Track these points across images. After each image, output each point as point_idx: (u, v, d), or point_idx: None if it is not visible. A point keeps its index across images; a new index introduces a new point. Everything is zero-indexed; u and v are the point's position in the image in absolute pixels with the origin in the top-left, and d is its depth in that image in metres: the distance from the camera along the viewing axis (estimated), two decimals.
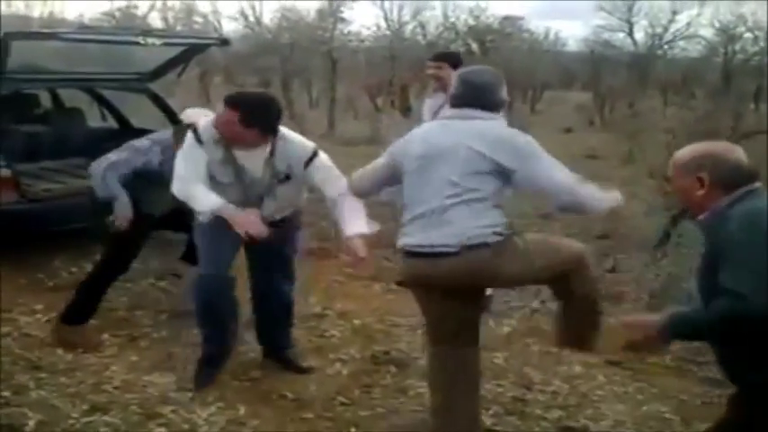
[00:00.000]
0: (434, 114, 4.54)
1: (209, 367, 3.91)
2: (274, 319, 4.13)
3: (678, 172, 2.41)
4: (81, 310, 4.38)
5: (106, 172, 4.31)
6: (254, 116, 3.48)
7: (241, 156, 3.62)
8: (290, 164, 3.65)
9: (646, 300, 5.20)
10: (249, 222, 3.55)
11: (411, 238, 3.14)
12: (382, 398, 3.87)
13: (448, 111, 3.35)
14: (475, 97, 3.22)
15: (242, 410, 3.66)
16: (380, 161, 3.48)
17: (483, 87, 3.24)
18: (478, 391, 3.36)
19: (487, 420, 3.60)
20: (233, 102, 3.51)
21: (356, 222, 3.51)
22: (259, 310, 4.15)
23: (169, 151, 4.15)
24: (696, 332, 2.40)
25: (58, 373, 3.93)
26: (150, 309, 4.94)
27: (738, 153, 2.40)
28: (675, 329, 2.36)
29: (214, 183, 3.63)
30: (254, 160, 3.63)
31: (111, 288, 5.14)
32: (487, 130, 3.16)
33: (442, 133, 3.22)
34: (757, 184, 2.35)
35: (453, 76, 3.52)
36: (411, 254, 3.15)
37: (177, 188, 3.65)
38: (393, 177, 3.39)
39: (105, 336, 4.46)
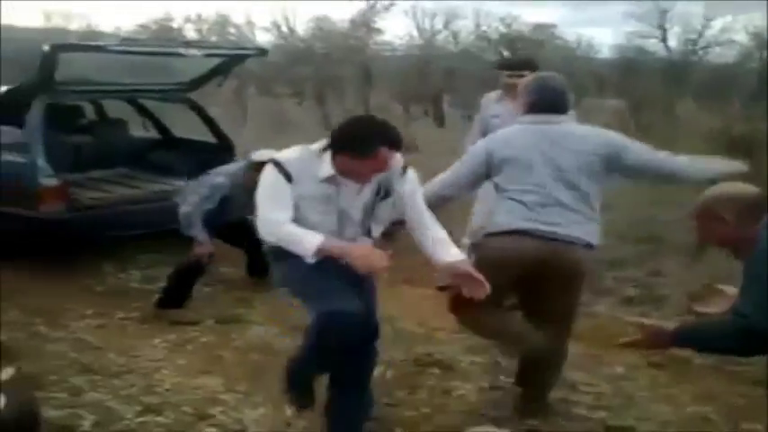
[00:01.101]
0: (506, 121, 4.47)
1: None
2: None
3: (701, 216, 2.49)
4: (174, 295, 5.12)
5: (192, 217, 5.01)
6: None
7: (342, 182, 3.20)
8: (388, 177, 3.24)
9: (687, 302, 5.18)
10: (369, 255, 3.10)
11: (533, 222, 3.33)
12: (427, 399, 3.92)
13: (531, 117, 3.53)
14: (561, 102, 3.54)
15: (289, 411, 3.72)
16: (464, 166, 3.64)
17: (563, 92, 3.56)
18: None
19: (533, 420, 3.64)
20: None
21: (452, 249, 3.27)
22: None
23: (239, 179, 4.90)
24: (705, 342, 2.48)
25: (111, 376, 4.04)
26: (198, 314, 5.04)
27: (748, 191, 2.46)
28: (685, 336, 2.47)
29: (302, 221, 3.18)
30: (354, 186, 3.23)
31: (158, 294, 5.31)
32: (584, 132, 3.55)
33: (541, 137, 3.46)
34: None
35: (524, 83, 3.75)
36: (526, 234, 3.33)
37: (268, 231, 3.17)
38: (479, 179, 3.62)
39: (156, 340, 4.58)
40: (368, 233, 3.31)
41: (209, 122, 7.01)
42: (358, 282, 3.22)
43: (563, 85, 3.59)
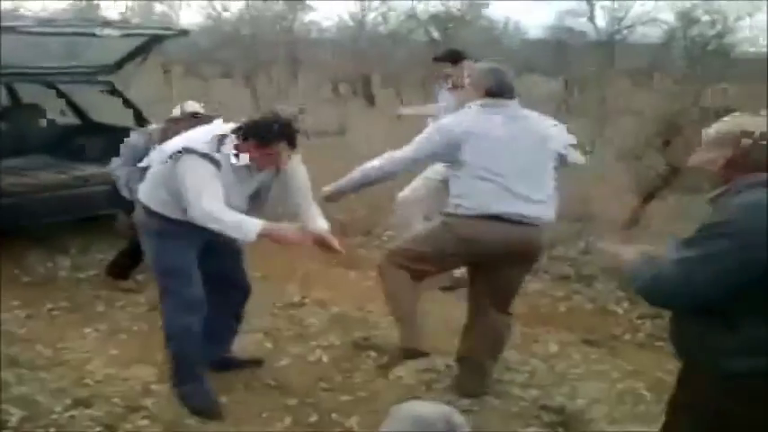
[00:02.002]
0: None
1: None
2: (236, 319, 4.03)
3: (707, 144, 2.27)
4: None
5: (118, 181, 4.92)
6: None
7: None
8: None
9: (617, 282, 5.29)
10: (301, 235, 3.45)
11: (506, 205, 3.49)
12: (363, 382, 3.93)
13: (491, 100, 3.68)
14: (512, 89, 3.73)
15: (225, 399, 3.69)
16: (427, 145, 3.73)
17: (512, 81, 3.76)
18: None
19: (466, 401, 3.67)
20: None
21: (320, 221, 3.65)
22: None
23: (156, 136, 4.70)
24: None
25: (39, 369, 3.93)
26: (129, 303, 4.93)
27: None
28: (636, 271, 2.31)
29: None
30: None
31: (90, 284, 5.18)
32: (536, 115, 3.78)
33: (504, 119, 3.64)
34: None
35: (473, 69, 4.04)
36: (492, 218, 3.50)
37: (202, 214, 3.38)
38: (437, 159, 3.81)
39: (86, 330, 4.46)
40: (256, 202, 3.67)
41: (130, 106, 6.82)
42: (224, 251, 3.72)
43: (511, 74, 3.81)
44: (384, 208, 6.50)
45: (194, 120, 4.55)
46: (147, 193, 3.68)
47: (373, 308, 4.86)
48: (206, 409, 3.59)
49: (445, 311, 4.73)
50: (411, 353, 3.74)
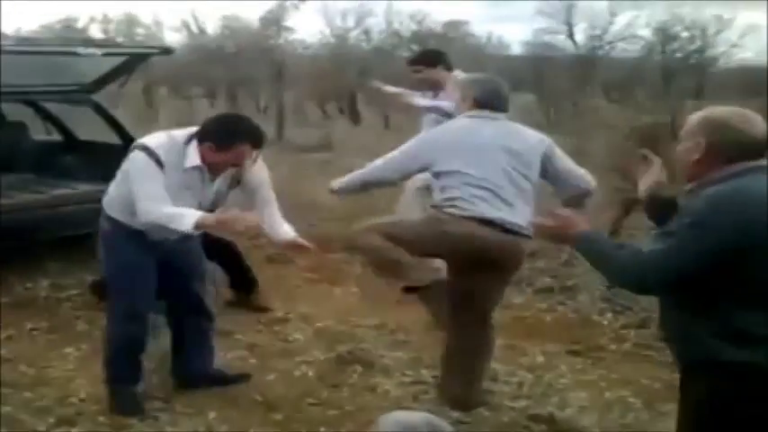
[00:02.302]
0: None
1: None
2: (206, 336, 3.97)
3: (683, 135, 2.28)
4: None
5: None
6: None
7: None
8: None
9: (600, 291, 5.31)
10: (242, 217, 3.29)
11: (496, 212, 3.47)
12: (350, 396, 3.91)
13: (474, 111, 3.67)
14: (506, 102, 3.74)
15: (211, 415, 3.66)
16: (413, 152, 3.72)
17: (505, 94, 3.75)
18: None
19: (455, 413, 3.65)
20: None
21: (286, 227, 3.66)
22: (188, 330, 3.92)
23: None
24: (599, 261, 2.33)
25: (22, 388, 3.88)
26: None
27: (753, 123, 2.19)
28: (587, 244, 2.33)
29: None
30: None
31: (70, 304, 5.13)
32: (526, 130, 3.74)
33: (490, 130, 3.61)
34: (763, 162, 2.17)
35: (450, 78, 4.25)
36: (483, 222, 3.46)
37: (146, 210, 3.35)
38: (424, 168, 3.71)
39: (68, 350, 4.42)
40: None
41: (114, 124, 6.79)
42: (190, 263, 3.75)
43: (505, 87, 3.80)
44: (363, 221, 6.50)
45: None
46: (106, 197, 3.69)
47: (358, 322, 4.86)
48: (129, 412, 3.64)
49: (429, 321, 4.74)
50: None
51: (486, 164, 3.52)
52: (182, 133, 3.46)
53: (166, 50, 7.78)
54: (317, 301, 5.31)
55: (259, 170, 3.60)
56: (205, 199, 3.50)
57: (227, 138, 3.34)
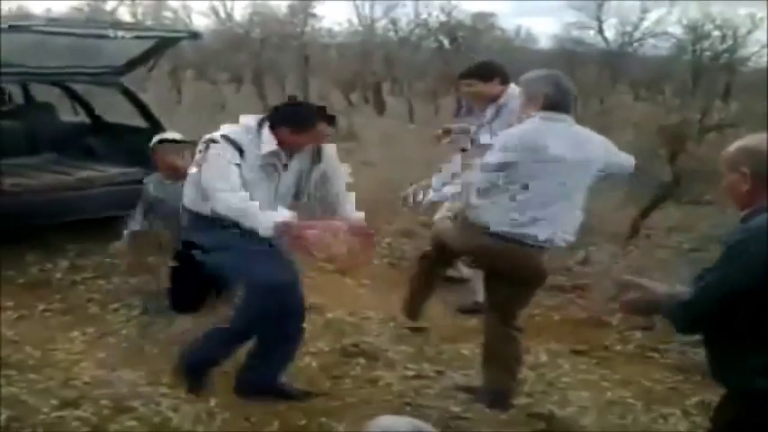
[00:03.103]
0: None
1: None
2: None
3: (724, 168, 2.29)
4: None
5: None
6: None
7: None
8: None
9: (613, 291, 5.28)
10: (326, 240, 3.30)
11: (539, 232, 3.43)
12: (352, 388, 3.93)
13: (544, 113, 3.44)
14: (571, 102, 3.51)
15: (213, 402, 3.68)
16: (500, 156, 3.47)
17: (574, 93, 3.55)
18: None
19: (456, 408, 3.68)
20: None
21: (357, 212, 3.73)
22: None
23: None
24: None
25: (27, 370, 3.93)
26: (123, 306, 4.94)
27: None
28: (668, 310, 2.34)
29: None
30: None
31: (85, 285, 5.18)
32: (592, 140, 3.55)
33: (565, 137, 3.41)
34: None
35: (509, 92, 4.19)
36: (528, 245, 3.45)
37: (226, 207, 3.33)
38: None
39: (75, 333, 4.47)
40: (297, 197, 3.63)
41: (141, 107, 6.86)
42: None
43: (571, 83, 3.57)
44: (383, 215, 6.53)
45: (178, 145, 4.78)
46: (190, 198, 3.62)
47: (367, 314, 4.87)
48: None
49: (434, 315, 4.76)
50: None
51: (546, 178, 3.37)
52: (250, 121, 3.50)
53: (195, 35, 7.85)
54: (328, 292, 5.32)
55: (330, 149, 3.68)
56: (283, 183, 3.54)
57: (306, 120, 3.44)
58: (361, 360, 4.24)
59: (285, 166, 3.52)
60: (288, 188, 3.57)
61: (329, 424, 3.57)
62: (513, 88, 4.40)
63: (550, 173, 3.37)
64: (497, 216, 3.43)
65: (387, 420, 1.97)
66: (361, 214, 3.66)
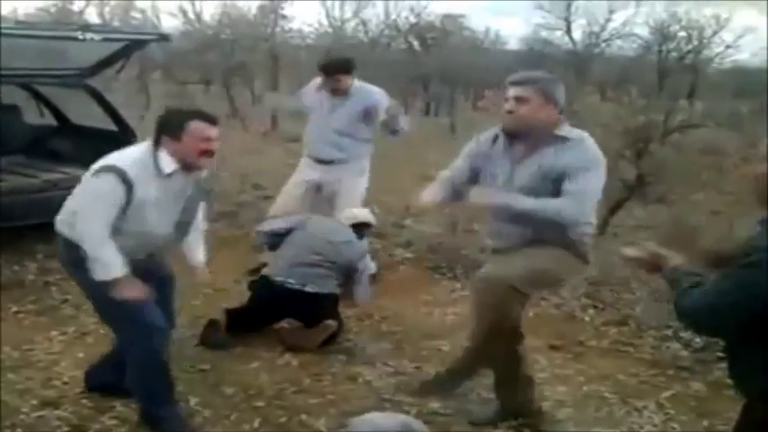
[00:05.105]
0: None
1: None
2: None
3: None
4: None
5: None
6: None
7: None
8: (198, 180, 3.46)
9: (583, 288, 5.36)
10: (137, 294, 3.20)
11: None
12: (332, 385, 3.96)
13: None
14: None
15: (193, 401, 3.71)
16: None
17: None
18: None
19: (434, 404, 3.72)
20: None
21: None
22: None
23: None
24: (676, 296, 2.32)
25: (6, 370, 3.92)
26: None
27: None
28: (670, 278, 2.35)
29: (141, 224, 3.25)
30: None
31: (57, 286, 5.14)
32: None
33: None
34: None
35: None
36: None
37: (86, 243, 3.17)
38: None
39: (53, 333, 4.45)
40: (186, 228, 3.47)
41: (109, 109, 6.81)
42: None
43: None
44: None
45: None
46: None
47: (343, 311, 4.89)
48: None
49: (412, 313, 4.81)
50: None
51: None
52: (143, 148, 3.32)
53: (164, 37, 7.79)
54: None
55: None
56: (184, 211, 3.40)
57: (176, 122, 3.25)
58: (341, 357, 4.27)
59: (187, 186, 3.36)
60: (186, 217, 3.43)
61: (309, 421, 3.61)
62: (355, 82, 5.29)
63: None
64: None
65: (378, 418, 1.95)
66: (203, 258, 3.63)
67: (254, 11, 20.72)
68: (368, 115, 5.34)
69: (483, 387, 3.87)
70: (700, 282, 2.26)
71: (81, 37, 5.90)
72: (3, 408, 3.54)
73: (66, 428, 3.44)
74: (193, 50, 19.19)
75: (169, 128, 3.25)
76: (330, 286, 4.51)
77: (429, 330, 4.71)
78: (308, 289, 4.41)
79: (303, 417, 3.64)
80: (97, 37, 6.06)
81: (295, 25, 22.22)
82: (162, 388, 3.44)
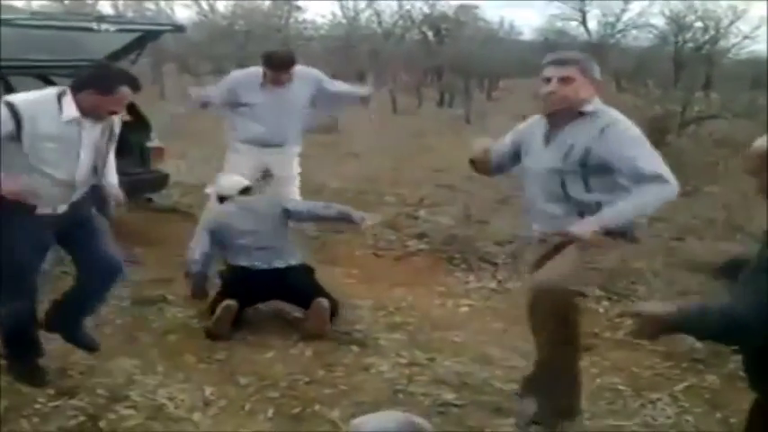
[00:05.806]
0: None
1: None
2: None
3: (754, 169, 2.21)
4: None
5: None
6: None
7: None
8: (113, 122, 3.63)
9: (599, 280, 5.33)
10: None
11: None
12: (345, 376, 3.97)
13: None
14: None
15: (208, 391, 3.72)
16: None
17: None
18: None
19: (448, 395, 3.73)
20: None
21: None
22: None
23: None
24: (695, 332, 2.35)
25: None
26: (113, 296, 4.93)
27: None
28: (678, 326, 2.28)
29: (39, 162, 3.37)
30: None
31: (73, 278, 5.15)
32: None
33: None
34: None
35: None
36: None
37: None
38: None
39: None
40: (95, 172, 3.58)
41: None
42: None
43: None
44: (367, 206, 6.57)
45: None
46: None
47: (357, 302, 4.91)
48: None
49: (425, 304, 4.80)
50: None
51: None
52: (51, 90, 3.50)
53: (179, 28, 7.80)
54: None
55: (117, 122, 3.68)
56: (87, 152, 3.49)
57: (108, 82, 3.38)
58: (354, 348, 4.28)
59: (87, 133, 3.46)
60: (88, 161, 3.51)
61: (323, 411, 3.62)
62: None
63: None
64: None
65: (382, 418, 1.91)
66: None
67: (267, 2, 20.74)
68: (320, 94, 5.55)
69: (496, 379, 3.90)
70: (701, 308, 2.24)
71: (96, 28, 5.92)
72: (19, 397, 3.57)
73: (81, 417, 3.47)
74: (207, 41, 19.25)
75: (100, 83, 3.38)
76: (296, 257, 4.65)
77: (442, 321, 4.72)
78: (277, 265, 4.54)
79: (317, 407, 3.65)
80: (112, 28, 6.07)
81: (309, 16, 22.27)
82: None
